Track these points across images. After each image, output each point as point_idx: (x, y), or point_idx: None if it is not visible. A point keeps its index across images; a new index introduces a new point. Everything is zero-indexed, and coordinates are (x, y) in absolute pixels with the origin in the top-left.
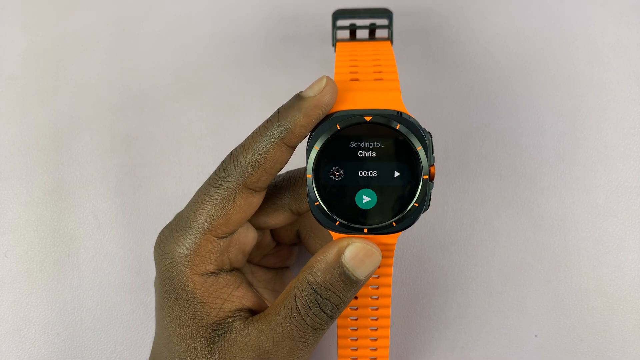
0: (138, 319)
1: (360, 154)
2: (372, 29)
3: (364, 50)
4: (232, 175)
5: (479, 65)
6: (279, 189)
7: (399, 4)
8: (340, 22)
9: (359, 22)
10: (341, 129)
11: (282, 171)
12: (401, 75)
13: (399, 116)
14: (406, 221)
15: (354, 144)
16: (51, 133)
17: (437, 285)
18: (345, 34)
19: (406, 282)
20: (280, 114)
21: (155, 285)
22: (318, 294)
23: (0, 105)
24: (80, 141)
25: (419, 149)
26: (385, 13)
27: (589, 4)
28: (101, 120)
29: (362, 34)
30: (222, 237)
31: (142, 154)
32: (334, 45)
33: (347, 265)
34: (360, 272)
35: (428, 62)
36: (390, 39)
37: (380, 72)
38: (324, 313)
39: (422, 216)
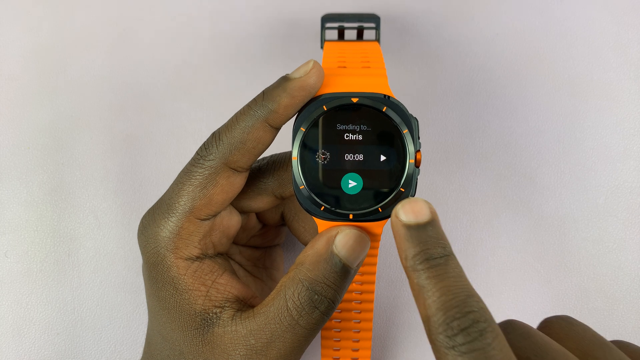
0: (138, 319)
1: (347, 136)
2: (360, 30)
3: (352, 48)
4: (213, 154)
5: (479, 65)
6: (263, 173)
7: (399, 4)
8: (328, 25)
9: (347, 24)
10: (328, 111)
11: (266, 154)
12: (401, 75)
13: (385, 99)
14: (392, 207)
15: (340, 127)
16: (51, 133)
17: None
18: (334, 35)
19: (406, 282)
20: (265, 94)
21: (142, 271)
22: (312, 291)
23: (0, 105)
24: (80, 141)
25: (405, 132)
26: (373, 18)
27: (588, 4)
28: (101, 120)
29: (351, 35)
30: (205, 219)
31: (142, 154)
32: (322, 46)
33: (340, 254)
34: (352, 260)
35: (428, 61)
36: (377, 40)
37: (368, 61)
38: (319, 311)
39: None
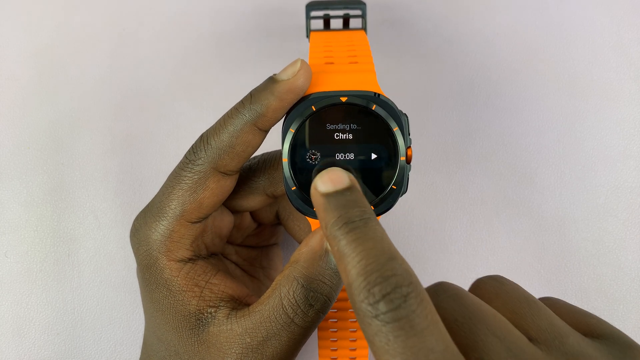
0: (138, 319)
1: (337, 136)
2: (346, 19)
3: (339, 38)
4: (202, 159)
5: (479, 64)
6: (254, 172)
7: (400, 4)
8: (314, 13)
9: (332, 12)
10: (317, 111)
11: (257, 153)
12: (401, 74)
13: (375, 97)
14: (385, 204)
15: (330, 126)
16: (51, 133)
17: None
18: (319, 24)
19: None
20: (252, 97)
21: (137, 274)
22: (308, 289)
23: (0, 105)
24: (80, 141)
25: (396, 129)
26: (359, 4)
27: (588, 4)
28: (101, 120)
29: (336, 24)
30: (196, 222)
31: (142, 154)
32: (308, 36)
33: None
34: None
35: (428, 61)
36: (364, 28)
37: (355, 56)
38: (315, 309)
39: (422, 215)
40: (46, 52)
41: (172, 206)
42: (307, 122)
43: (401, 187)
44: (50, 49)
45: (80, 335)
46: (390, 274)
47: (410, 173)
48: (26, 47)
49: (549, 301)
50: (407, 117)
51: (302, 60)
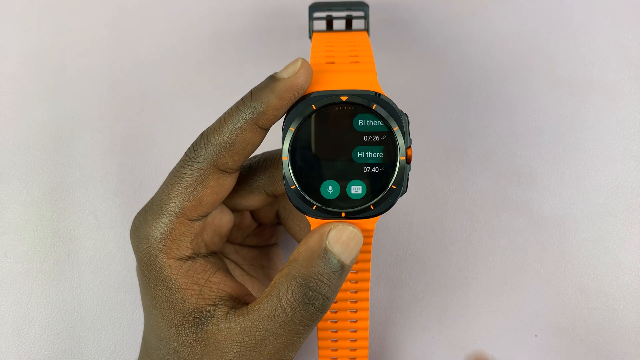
0: (138, 319)
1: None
2: (348, 20)
3: (341, 39)
4: (202, 156)
5: (479, 65)
6: (254, 171)
7: (399, 3)
8: (316, 14)
9: (335, 14)
10: (317, 110)
11: (257, 152)
12: (401, 75)
13: (375, 96)
14: (384, 204)
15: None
16: (51, 133)
17: (437, 285)
18: (322, 25)
19: (406, 282)
20: (253, 95)
21: (136, 271)
22: (306, 287)
23: (0, 105)
24: (80, 141)
25: (396, 129)
26: (362, 5)
27: (589, 4)
28: (101, 120)
29: (339, 25)
30: (196, 220)
31: (142, 154)
32: (310, 37)
33: (333, 250)
34: (345, 256)
35: (428, 61)
36: (366, 29)
37: (356, 56)
38: (314, 308)
39: (422, 215)
40: (46, 52)
41: (172, 204)
42: (307, 121)
43: (401, 187)
44: (50, 49)
45: (80, 335)
46: None
47: (410, 173)
48: (26, 47)
49: None
50: (407, 116)
51: (303, 59)
